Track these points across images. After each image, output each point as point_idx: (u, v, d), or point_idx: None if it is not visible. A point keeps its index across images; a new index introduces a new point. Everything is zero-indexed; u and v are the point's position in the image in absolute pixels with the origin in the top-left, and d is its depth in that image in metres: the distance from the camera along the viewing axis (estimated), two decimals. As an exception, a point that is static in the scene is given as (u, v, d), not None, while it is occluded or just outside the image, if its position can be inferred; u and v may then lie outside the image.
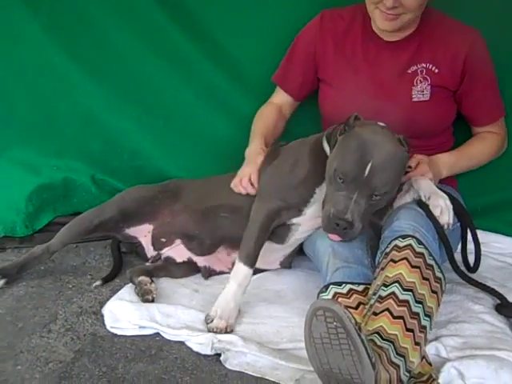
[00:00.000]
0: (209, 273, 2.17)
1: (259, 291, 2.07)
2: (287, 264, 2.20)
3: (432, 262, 1.72)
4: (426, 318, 1.63)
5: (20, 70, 2.52)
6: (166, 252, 2.22)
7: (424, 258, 1.70)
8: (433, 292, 1.68)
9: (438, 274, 1.73)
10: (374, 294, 1.67)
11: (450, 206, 1.83)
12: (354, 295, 1.75)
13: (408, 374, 1.56)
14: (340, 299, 1.75)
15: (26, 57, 2.49)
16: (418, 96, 2.10)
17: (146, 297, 1.99)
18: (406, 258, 1.69)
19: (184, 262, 2.21)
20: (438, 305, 1.71)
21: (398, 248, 1.72)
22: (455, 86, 2.13)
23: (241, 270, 1.91)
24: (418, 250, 1.71)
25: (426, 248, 1.72)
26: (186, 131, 2.56)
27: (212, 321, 1.84)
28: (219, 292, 1.92)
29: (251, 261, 1.92)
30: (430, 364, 1.67)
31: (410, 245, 1.71)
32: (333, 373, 1.46)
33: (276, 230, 2.01)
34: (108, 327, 1.89)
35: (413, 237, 1.73)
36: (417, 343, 1.59)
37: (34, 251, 2.17)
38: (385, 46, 2.14)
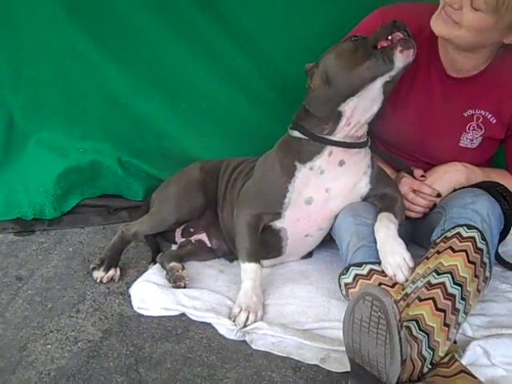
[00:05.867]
0: (233, 258, 2.16)
1: (284, 271, 2.08)
2: (308, 256, 2.17)
3: (487, 261, 1.69)
4: (463, 316, 1.62)
5: (46, 55, 2.53)
6: (197, 237, 2.23)
7: (482, 255, 1.67)
8: (478, 291, 1.67)
9: (487, 274, 1.70)
10: (424, 276, 1.65)
11: (404, 264, 1.75)
12: (375, 276, 1.74)
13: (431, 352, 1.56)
14: (360, 281, 1.75)
15: (51, 41, 2.50)
16: (466, 143, 1.97)
17: (178, 283, 1.99)
18: (465, 251, 1.65)
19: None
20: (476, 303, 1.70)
21: (460, 237, 1.68)
22: (504, 136, 2.00)
23: (247, 268, 1.90)
24: (479, 245, 1.67)
25: (487, 245, 1.69)
26: (210, 113, 2.56)
27: (237, 316, 1.80)
28: (243, 272, 1.95)
29: (253, 257, 1.91)
30: (455, 342, 1.66)
31: (473, 238, 1.67)
32: (361, 353, 1.46)
33: (266, 244, 2.00)
34: (135, 308, 1.92)
35: (478, 230, 1.69)
36: (449, 339, 1.58)
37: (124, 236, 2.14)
38: (445, 78, 1.94)
